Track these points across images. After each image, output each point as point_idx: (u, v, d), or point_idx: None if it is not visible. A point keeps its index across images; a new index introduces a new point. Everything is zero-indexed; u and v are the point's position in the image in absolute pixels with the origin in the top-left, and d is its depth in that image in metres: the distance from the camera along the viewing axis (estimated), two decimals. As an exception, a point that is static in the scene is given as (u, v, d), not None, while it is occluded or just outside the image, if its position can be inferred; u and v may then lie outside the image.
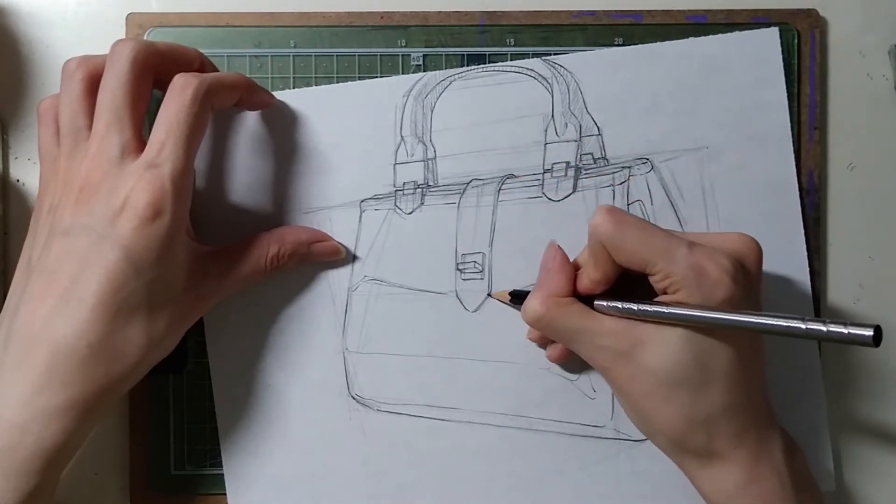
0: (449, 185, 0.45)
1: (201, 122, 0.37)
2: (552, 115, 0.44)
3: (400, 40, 0.45)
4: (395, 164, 0.45)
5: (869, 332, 0.32)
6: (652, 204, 0.44)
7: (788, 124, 0.45)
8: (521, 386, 0.44)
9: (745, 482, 0.38)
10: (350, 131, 0.44)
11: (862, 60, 0.46)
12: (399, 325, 0.44)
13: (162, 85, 0.39)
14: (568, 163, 0.44)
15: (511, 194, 0.44)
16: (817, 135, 0.45)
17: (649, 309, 0.37)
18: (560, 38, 0.45)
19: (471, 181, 0.44)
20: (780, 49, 0.45)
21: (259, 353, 0.44)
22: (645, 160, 0.44)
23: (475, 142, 0.45)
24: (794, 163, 0.45)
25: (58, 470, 0.37)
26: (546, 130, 0.44)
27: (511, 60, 0.45)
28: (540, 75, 0.44)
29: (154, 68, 0.38)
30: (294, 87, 0.45)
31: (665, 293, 0.37)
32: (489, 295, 0.44)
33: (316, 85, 0.45)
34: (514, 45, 0.45)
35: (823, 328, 0.33)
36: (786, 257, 0.45)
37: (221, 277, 0.40)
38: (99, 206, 0.36)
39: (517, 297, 0.43)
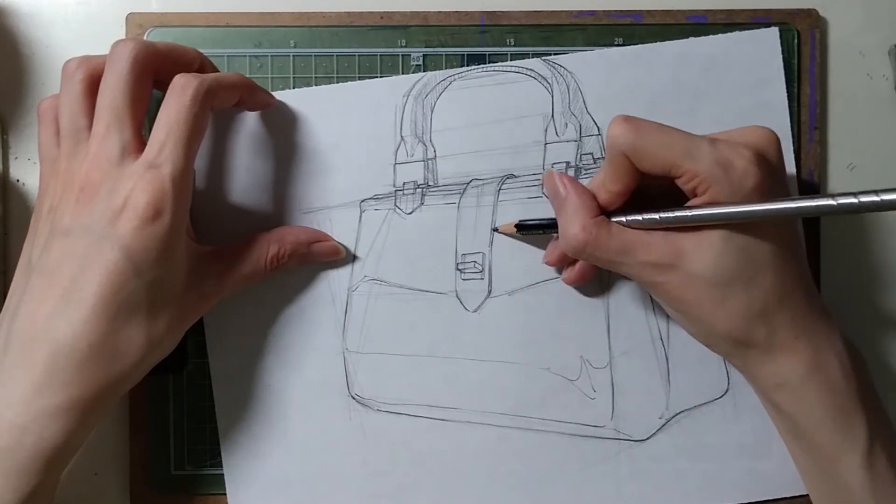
0: (449, 185, 0.45)
1: (201, 123, 0.38)
2: (552, 115, 0.44)
3: (400, 40, 0.45)
4: (395, 164, 0.44)
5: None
6: (652, 204, 0.44)
7: (789, 124, 0.45)
8: (521, 386, 0.44)
9: (809, 371, 0.38)
10: (350, 131, 0.44)
11: (862, 60, 0.46)
12: (399, 325, 0.44)
13: (162, 85, 0.39)
14: (568, 163, 0.44)
15: (511, 194, 0.44)
16: (817, 135, 0.45)
17: (687, 214, 0.37)
18: (560, 38, 0.45)
19: (471, 181, 0.44)
20: (780, 49, 0.45)
21: (259, 352, 0.44)
22: (645, 160, 0.44)
23: (475, 142, 0.44)
24: (794, 163, 0.45)
25: (58, 470, 0.37)
26: (546, 130, 0.44)
27: (511, 60, 0.45)
28: (540, 75, 0.44)
29: (154, 68, 0.38)
30: (294, 88, 0.45)
31: (694, 194, 0.37)
32: (494, 229, 0.44)
33: (316, 85, 0.45)
34: (514, 45, 0.45)
35: (855, 200, 0.33)
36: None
37: (221, 277, 0.40)
38: (99, 206, 0.36)
39: (526, 228, 0.43)
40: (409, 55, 0.45)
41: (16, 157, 0.46)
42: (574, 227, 0.39)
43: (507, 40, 0.45)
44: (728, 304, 0.37)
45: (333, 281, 0.44)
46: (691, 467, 0.44)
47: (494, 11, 0.45)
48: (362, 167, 0.44)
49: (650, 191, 0.39)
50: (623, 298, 0.44)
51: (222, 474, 0.45)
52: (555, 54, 0.45)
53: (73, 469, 0.45)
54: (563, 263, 0.43)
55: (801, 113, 0.45)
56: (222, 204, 0.44)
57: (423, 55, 0.45)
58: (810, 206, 0.34)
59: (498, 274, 0.44)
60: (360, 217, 0.44)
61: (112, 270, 0.35)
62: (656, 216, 0.37)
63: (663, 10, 0.45)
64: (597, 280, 0.44)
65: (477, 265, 0.44)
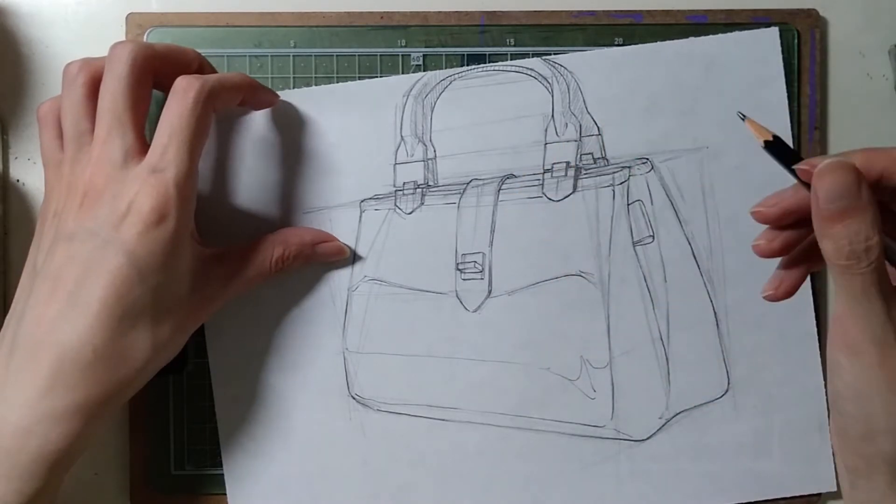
0: (449, 185, 0.45)
1: (204, 125, 0.37)
2: (552, 115, 0.44)
3: (400, 40, 0.45)
4: (395, 164, 0.44)
5: None
6: (652, 204, 0.44)
7: (789, 124, 0.45)
8: (522, 386, 0.44)
9: None
10: (350, 131, 0.44)
11: (862, 60, 0.46)
12: (399, 325, 0.44)
13: (161, 86, 0.38)
14: (568, 163, 0.44)
15: (511, 194, 0.44)
16: (817, 135, 0.45)
17: None
18: (560, 38, 0.45)
19: (471, 181, 0.44)
20: (780, 49, 0.45)
21: (259, 353, 0.44)
22: (645, 160, 0.44)
23: (475, 142, 0.44)
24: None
25: (61, 473, 0.37)
26: (546, 130, 0.44)
27: (511, 60, 0.45)
28: (540, 75, 0.44)
29: (153, 70, 0.38)
30: (294, 88, 0.45)
31: None
32: (743, 117, 0.36)
33: (316, 85, 0.45)
34: (514, 45, 0.45)
35: None
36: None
37: (226, 280, 0.40)
38: (103, 211, 0.36)
39: (779, 151, 0.35)
40: (409, 55, 0.45)
41: (16, 157, 0.46)
42: (873, 236, 0.31)
43: (507, 40, 0.45)
44: None
45: (333, 281, 0.44)
46: (691, 467, 0.44)
47: (494, 11, 0.45)
48: (362, 167, 0.44)
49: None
50: (623, 298, 0.44)
51: (222, 474, 0.45)
52: (555, 54, 0.45)
53: (74, 469, 0.44)
54: (781, 222, 0.35)
55: (801, 113, 0.45)
56: (223, 205, 0.44)
57: (423, 55, 0.45)
58: None
59: (498, 274, 0.44)
60: (361, 217, 0.44)
61: (116, 275, 0.35)
62: None
63: (663, 10, 0.45)
64: (597, 280, 0.44)
65: (477, 265, 0.44)
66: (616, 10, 0.45)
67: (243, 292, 0.41)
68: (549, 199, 0.44)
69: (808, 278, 0.44)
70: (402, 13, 0.45)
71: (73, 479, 0.37)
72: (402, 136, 0.44)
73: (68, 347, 0.35)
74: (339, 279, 0.44)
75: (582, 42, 0.45)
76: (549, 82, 0.44)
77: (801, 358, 0.45)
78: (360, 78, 0.45)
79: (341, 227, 0.44)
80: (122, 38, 0.45)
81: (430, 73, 0.44)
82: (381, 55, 0.45)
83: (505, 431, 0.44)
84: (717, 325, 0.44)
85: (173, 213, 0.36)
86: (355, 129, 0.44)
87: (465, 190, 0.44)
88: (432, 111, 0.44)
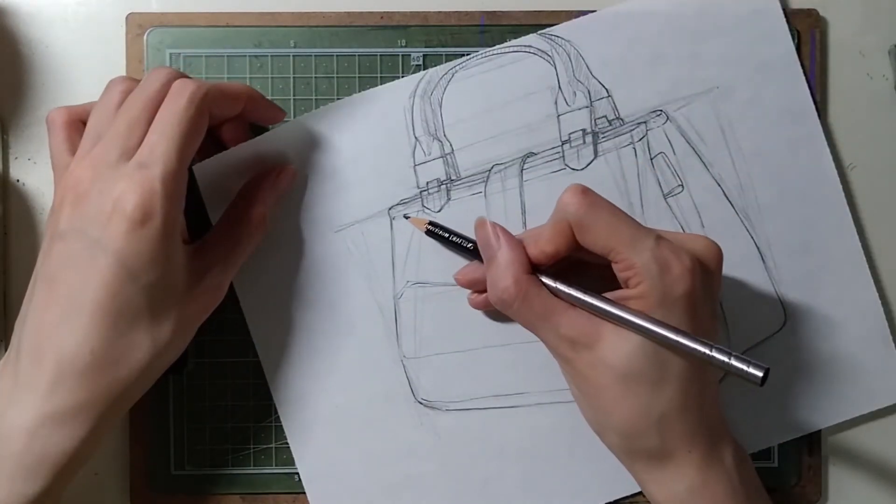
0: (471, 175, 0.45)
1: (196, 126, 0.37)
2: (559, 87, 0.45)
3: (400, 40, 0.45)
4: (415, 165, 0.45)
5: (759, 373, 0.34)
6: (674, 154, 0.44)
7: (793, 49, 0.45)
8: (583, 358, 0.44)
9: (697, 486, 0.37)
10: (364, 143, 0.44)
11: (862, 60, 0.46)
12: (451, 323, 0.44)
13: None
14: (584, 130, 0.44)
15: (534, 172, 0.44)
16: (818, 136, 0.45)
17: (606, 308, 0.36)
18: (556, 25, 0.45)
19: (492, 167, 0.45)
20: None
21: (318, 376, 0.44)
22: (659, 112, 0.44)
23: (489, 128, 0.45)
24: (806, 86, 0.45)
25: (65, 477, 0.37)
26: (556, 102, 0.44)
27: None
28: (539, 50, 0.44)
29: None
30: (294, 87, 0.45)
31: (626, 282, 0.37)
32: (406, 216, 0.44)
33: (316, 85, 0.45)
34: (514, 43, 0.45)
35: (725, 359, 0.35)
36: (816, 179, 0.45)
37: (224, 263, 0.40)
38: (91, 209, 0.36)
39: (436, 235, 0.43)
40: (409, 55, 0.45)
41: (16, 158, 0.46)
42: (506, 279, 0.38)
43: (507, 40, 0.45)
44: (630, 401, 0.36)
45: (377, 292, 0.44)
46: (763, 405, 0.45)
47: (494, 11, 0.45)
48: (383, 175, 0.44)
49: (586, 258, 0.39)
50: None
51: (222, 474, 0.45)
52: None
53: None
54: (475, 288, 0.43)
55: (801, 115, 0.45)
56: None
57: (423, 55, 0.45)
58: (692, 347, 0.35)
59: (538, 253, 0.44)
60: (391, 225, 0.44)
61: (106, 276, 0.35)
62: (581, 296, 0.37)
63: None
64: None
65: (515, 248, 0.44)
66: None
67: (244, 260, 0.41)
68: (573, 169, 0.44)
69: (843, 196, 0.45)
70: (402, 13, 0.45)
71: (73, 480, 0.37)
72: (416, 137, 0.44)
73: (67, 351, 0.35)
74: (383, 289, 0.44)
75: (582, 40, 0.45)
76: (549, 55, 0.45)
77: (851, 275, 0.45)
78: (360, 78, 0.45)
79: (374, 239, 0.44)
80: (122, 38, 0.45)
81: (431, 70, 0.44)
82: (381, 55, 0.45)
83: (575, 406, 0.44)
84: (763, 259, 0.44)
85: (159, 211, 0.35)
86: (369, 140, 0.44)
87: (488, 177, 0.44)
88: (441, 107, 0.45)
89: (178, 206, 0.37)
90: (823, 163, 0.45)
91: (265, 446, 0.45)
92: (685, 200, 0.44)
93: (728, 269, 0.44)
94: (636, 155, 0.44)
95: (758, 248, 0.44)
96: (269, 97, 0.44)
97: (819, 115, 0.45)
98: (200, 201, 0.43)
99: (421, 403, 0.45)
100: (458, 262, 0.44)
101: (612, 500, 0.45)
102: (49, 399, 0.35)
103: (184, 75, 0.39)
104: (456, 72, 0.45)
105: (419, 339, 0.44)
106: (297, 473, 0.45)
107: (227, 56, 0.45)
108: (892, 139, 0.46)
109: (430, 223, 0.43)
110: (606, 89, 0.44)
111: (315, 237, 0.44)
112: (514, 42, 0.45)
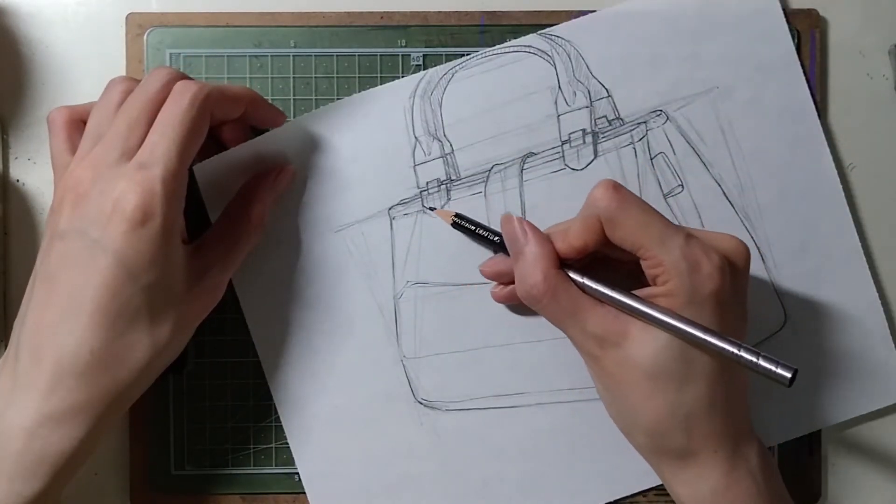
0: (472, 175, 0.45)
1: (197, 127, 0.37)
2: (559, 87, 0.45)
3: (400, 40, 0.45)
4: (415, 165, 0.45)
5: (788, 374, 0.34)
6: (674, 154, 0.44)
7: (793, 49, 0.45)
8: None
9: (721, 487, 0.37)
10: (364, 143, 0.44)
11: (862, 60, 0.46)
12: (451, 323, 0.44)
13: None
14: (584, 130, 0.44)
15: (534, 172, 0.44)
16: (818, 135, 0.45)
17: (637, 306, 0.36)
18: (556, 26, 0.45)
19: (492, 167, 0.45)
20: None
21: (318, 376, 0.44)
22: (659, 112, 0.44)
23: (489, 128, 0.45)
24: (806, 86, 0.45)
25: (64, 477, 0.37)
26: (556, 102, 0.45)
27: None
28: (539, 50, 0.44)
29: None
30: (294, 87, 0.45)
31: (654, 279, 0.37)
32: (431, 209, 0.44)
33: (316, 85, 0.45)
34: (514, 43, 0.45)
35: (754, 359, 0.35)
36: (816, 179, 0.45)
37: (223, 262, 0.40)
38: (91, 209, 0.36)
39: (462, 228, 0.43)
40: (409, 55, 0.45)
41: (16, 158, 0.46)
42: (535, 275, 0.38)
43: (507, 40, 0.45)
44: (656, 400, 0.36)
45: (377, 292, 0.44)
46: (764, 404, 0.44)
47: (494, 11, 0.45)
48: (383, 175, 0.44)
49: (612, 254, 0.39)
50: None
51: (222, 474, 0.45)
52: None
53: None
54: (500, 280, 0.43)
55: (801, 114, 0.45)
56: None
57: (423, 55, 0.45)
58: (720, 346, 0.35)
59: (538, 253, 0.44)
60: (392, 224, 0.44)
61: (106, 276, 0.35)
62: (609, 293, 0.37)
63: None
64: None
65: (515, 248, 0.44)
66: (616, 10, 0.45)
67: (244, 257, 0.41)
68: (573, 169, 0.44)
69: (842, 194, 0.45)
70: (402, 13, 0.45)
71: (73, 480, 0.37)
72: (416, 137, 0.44)
73: (66, 351, 0.35)
74: (383, 289, 0.44)
75: (582, 40, 0.45)
76: (549, 55, 0.45)
77: (851, 275, 0.45)
78: (360, 78, 0.45)
79: (374, 239, 0.44)
80: (122, 38, 0.45)
81: (431, 70, 0.44)
82: (381, 55, 0.45)
83: (576, 406, 0.44)
84: (763, 259, 0.45)
85: (159, 212, 0.35)
86: (369, 140, 0.44)
87: (488, 177, 0.44)
88: (440, 107, 0.45)
89: (178, 207, 0.37)
90: (823, 163, 0.45)
91: (265, 446, 0.45)
92: (685, 200, 0.44)
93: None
94: (636, 155, 0.44)
95: (758, 248, 0.44)
96: (269, 97, 0.44)
97: (819, 115, 0.45)
98: (200, 201, 0.43)
99: (421, 403, 0.45)
100: (459, 262, 0.44)
101: (612, 500, 0.45)
102: (48, 399, 0.35)
103: (184, 76, 0.39)
104: (456, 72, 0.45)
105: (419, 339, 0.44)
106: (297, 473, 0.45)
107: (227, 56, 0.45)
108: (892, 139, 0.46)
109: (457, 215, 0.43)
110: (606, 89, 0.45)
111: (315, 237, 0.44)
112: (514, 42, 0.45)
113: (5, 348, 0.38)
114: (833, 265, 0.45)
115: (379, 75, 0.45)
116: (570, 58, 0.44)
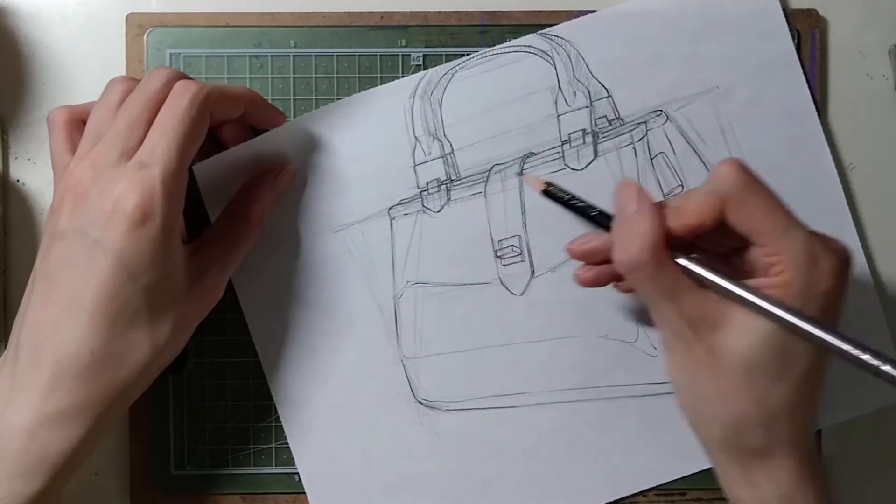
0: (472, 175, 0.45)
1: (197, 127, 0.37)
2: (559, 87, 0.45)
3: (400, 40, 0.45)
4: (415, 165, 0.45)
5: None
6: (674, 154, 0.44)
7: (793, 49, 0.45)
8: (583, 358, 0.44)
9: (789, 493, 0.35)
10: (364, 143, 0.44)
11: (862, 60, 0.46)
12: (451, 323, 0.44)
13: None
14: (584, 130, 0.44)
15: (534, 172, 0.44)
16: (818, 135, 0.45)
17: (751, 298, 0.34)
18: (557, 30, 0.45)
19: (492, 167, 0.45)
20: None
21: (318, 376, 0.44)
22: (659, 112, 0.44)
23: (489, 128, 0.45)
24: (806, 86, 0.45)
25: (64, 477, 0.37)
26: (556, 102, 0.45)
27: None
28: (539, 50, 0.44)
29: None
30: (294, 87, 0.45)
31: (768, 269, 0.35)
32: (520, 174, 0.43)
33: (316, 85, 0.45)
34: (514, 44, 0.45)
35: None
36: (816, 179, 0.45)
37: (222, 262, 0.40)
38: (91, 209, 0.36)
39: (554, 196, 0.39)
40: (409, 55, 0.45)
41: (16, 158, 0.46)
42: (640, 245, 0.35)
43: (507, 40, 0.45)
44: (744, 391, 0.35)
45: (377, 292, 0.44)
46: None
47: (494, 11, 0.45)
48: (383, 175, 0.44)
49: (709, 244, 0.37)
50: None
51: (222, 474, 0.45)
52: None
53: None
54: (589, 260, 0.40)
55: (801, 114, 0.45)
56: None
57: (423, 55, 0.45)
58: (844, 349, 0.33)
59: (538, 253, 0.44)
60: (391, 225, 0.44)
61: (106, 276, 0.35)
62: (720, 280, 0.35)
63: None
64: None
65: (515, 248, 0.44)
66: (616, 10, 0.45)
67: (243, 256, 0.41)
68: (573, 169, 0.44)
69: (843, 197, 0.45)
70: (402, 13, 0.45)
71: (73, 480, 0.37)
72: (415, 137, 0.44)
73: (66, 351, 0.35)
74: (383, 289, 0.44)
75: (582, 40, 0.45)
76: (549, 55, 0.45)
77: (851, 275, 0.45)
78: (360, 78, 0.45)
79: (374, 239, 0.44)
80: (122, 38, 0.45)
81: (431, 70, 0.45)
82: (381, 55, 0.45)
83: (576, 406, 0.44)
84: (763, 259, 0.44)
85: (159, 212, 0.35)
86: (368, 140, 0.44)
87: (488, 177, 0.44)
88: (440, 106, 0.45)
89: (177, 207, 0.37)
90: (823, 163, 0.45)
91: (265, 446, 0.45)
92: (685, 200, 0.44)
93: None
94: (636, 155, 0.44)
95: (758, 248, 0.44)
96: (269, 97, 0.44)
97: (819, 115, 0.45)
98: (200, 201, 0.43)
99: (421, 403, 0.45)
100: (459, 262, 0.44)
101: (612, 500, 0.45)
102: (48, 399, 0.35)
103: (184, 76, 0.39)
104: (456, 72, 0.45)
105: (419, 339, 0.44)
106: (297, 473, 0.45)
107: (227, 56, 0.45)
108: (892, 139, 0.46)
109: (548, 183, 0.40)
110: (606, 89, 0.45)
111: (315, 237, 0.44)
112: (514, 42, 0.45)
113: (5, 348, 0.38)
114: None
115: (379, 75, 0.45)
116: (570, 58, 0.44)
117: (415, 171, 0.45)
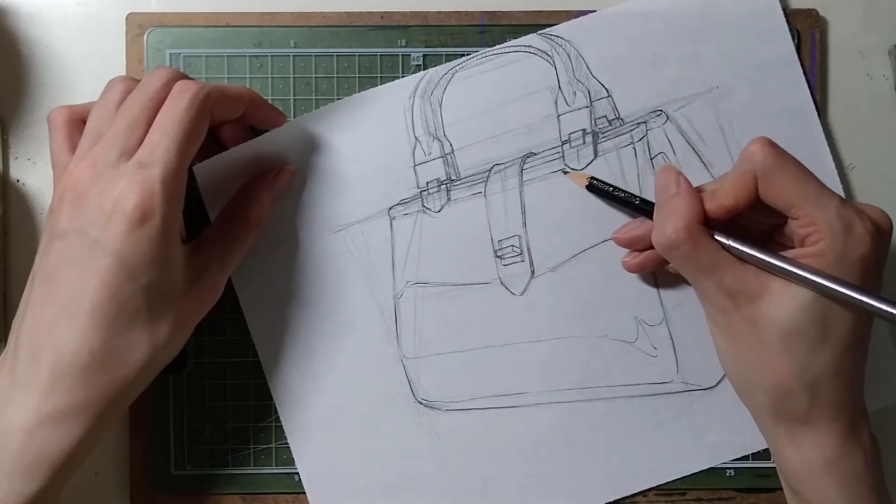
0: (472, 175, 0.45)
1: (197, 127, 0.37)
2: (559, 87, 0.45)
3: (400, 40, 0.45)
4: (415, 165, 0.45)
5: None
6: (674, 153, 0.44)
7: (793, 49, 0.45)
8: (583, 358, 0.44)
9: (834, 457, 0.37)
10: (364, 143, 0.44)
11: (862, 60, 0.46)
12: (451, 323, 0.44)
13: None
14: (584, 130, 0.44)
15: (534, 172, 0.44)
16: (818, 134, 0.45)
17: (794, 269, 0.36)
18: (557, 29, 0.45)
19: (492, 167, 0.45)
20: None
21: (318, 376, 0.44)
22: (659, 112, 0.44)
23: (489, 128, 0.45)
24: (806, 86, 0.45)
25: (63, 476, 0.37)
26: (556, 102, 0.45)
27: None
28: (539, 50, 0.44)
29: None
30: (294, 88, 0.45)
31: (802, 242, 0.36)
32: (564, 171, 0.44)
33: (316, 85, 0.45)
34: (514, 44, 0.45)
35: None
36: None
37: (220, 262, 0.40)
38: (91, 209, 0.36)
39: (598, 190, 0.43)
40: (409, 55, 0.45)
41: (16, 158, 0.46)
42: (677, 224, 0.37)
43: (507, 40, 0.45)
44: (786, 359, 0.36)
45: (377, 292, 0.44)
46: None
47: (494, 11, 0.45)
48: (383, 175, 0.44)
49: (748, 221, 0.39)
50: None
51: (222, 474, 0.45)
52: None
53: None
54: (634, 246, 0.42)
55: (801, 114, 0.45)
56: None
57: (423, 55, 0.45)
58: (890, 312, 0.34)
59: (537, 253, 0.44)
60: (391, 225, 0.44)
61: (106, 276, 0.35)
62: (757, 253, 0.36)
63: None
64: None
65: (515, 248, 0.44)
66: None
67: (243, 256, 0.41)
68: (573, 169, 0.44)
69: (843, 195, 0.45)
70: (402, 13, 0.45)
71: (73, 479, 0.38)
72: (416, 137, 0.44)
73: (65, 350, 0.35)
74: (383, 289, 0.44)
75: (582, 40, 0.45)
76: (549, 55, 0.45)
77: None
78: (360, 78, 0.45)
79: (374, 238, 0.44)
80: (122, 38, 0.45)
81: (431, 70, 0.45)
82: (381, 55, 0.45)
83: (575, 406, 0.44)
84: (763, 259, 0.44)
85: (159, 211, 0.35)
86: (369, 140, 0.44)
87: (488, 177, 0.44)
88: (440, 106, 0.45)
89: (177, 207, 0.37)
90: (823, 163, 0.45)
91: (265, 446, 0.45)
92: (685, 200, 0.44)
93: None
94: (636, 155, 0.44)
95: (758, 248, 0.44)
96: (269, 97, 0.44)
97: (819, 115, 0.45)
98: (200, 201, 0.43)
99: (421, 403, 0.45)
100: (459, 262, 0.44)
101: (612, 500, 0.45)
102: (47, 398, 0.35)
103: (184, 76, 0.39)
104: (456, 72, 0.45)
105: (419, 339, 0.44)
106: (297, 473, 0.45)
107: (227, 56, 0.45)
108: (892, 139, 0.46)
109: (592, 178, 0.43)
110: (606, 89, 0.45)
111: (315, 237, 0.44)
112: (514, 42, 0.45)
113: (4, 347, 0.38)
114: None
115: (379, 75, 0.45)
116: (570, 58, 0.44)
117: (415, 171, 0.45)
